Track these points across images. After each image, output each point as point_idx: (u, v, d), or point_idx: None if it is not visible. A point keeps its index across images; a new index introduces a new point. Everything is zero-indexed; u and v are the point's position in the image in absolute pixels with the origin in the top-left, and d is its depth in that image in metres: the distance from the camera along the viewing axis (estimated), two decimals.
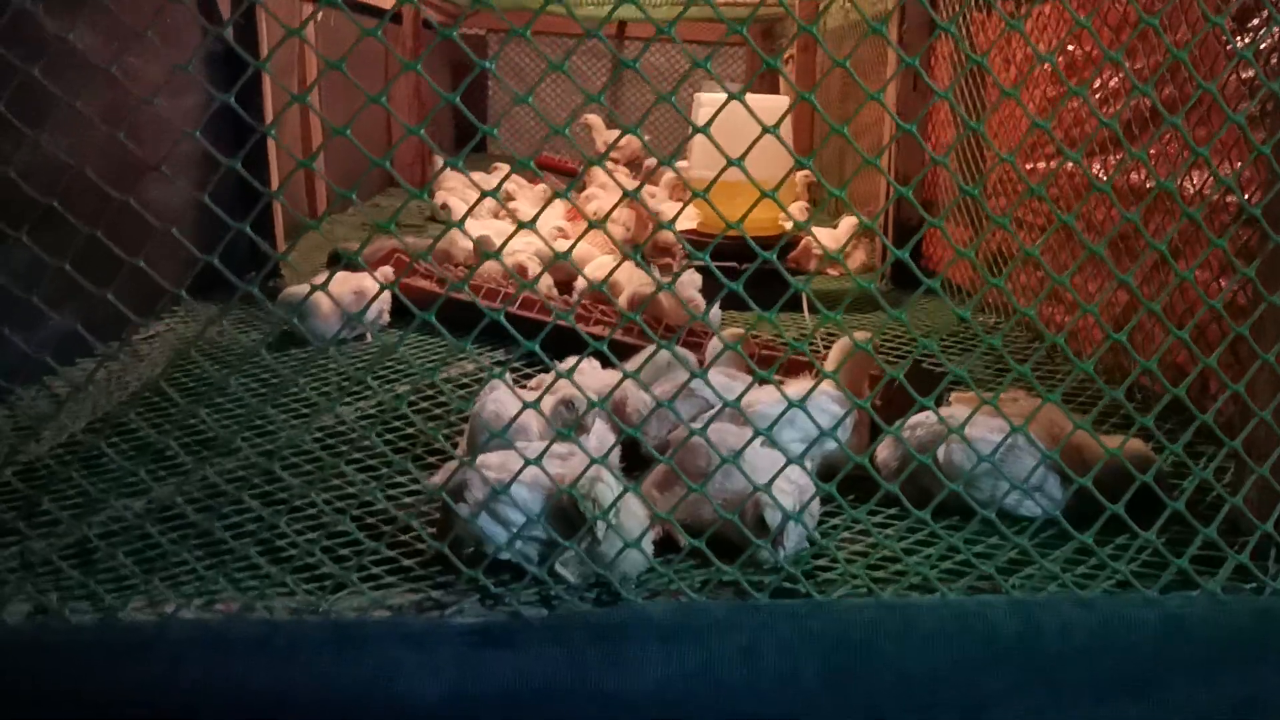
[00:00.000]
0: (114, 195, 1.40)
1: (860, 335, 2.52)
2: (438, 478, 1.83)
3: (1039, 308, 3.38)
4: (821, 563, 1.79)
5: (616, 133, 7.72)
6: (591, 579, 1.70)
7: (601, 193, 6.03)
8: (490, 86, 9.79)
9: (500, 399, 2.28)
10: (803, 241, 4.49)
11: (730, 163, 1.49)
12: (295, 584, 1.64)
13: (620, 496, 1.58)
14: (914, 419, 2.18)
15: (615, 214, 5.21)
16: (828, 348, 3.13)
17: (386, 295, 3.57)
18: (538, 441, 2.06)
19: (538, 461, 1.54)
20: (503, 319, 1.51)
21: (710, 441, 1.61)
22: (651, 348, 2.68)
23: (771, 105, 3.96)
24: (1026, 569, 1.71)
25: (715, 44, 1.50)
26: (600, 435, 2.25)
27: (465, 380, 2.93)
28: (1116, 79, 2.98)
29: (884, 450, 2.24)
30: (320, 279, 3.35)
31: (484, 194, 1.58)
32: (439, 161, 7.07)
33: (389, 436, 2.41)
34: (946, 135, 4.30)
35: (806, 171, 6.21)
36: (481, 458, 1.87)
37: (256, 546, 1.67)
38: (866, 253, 4.74)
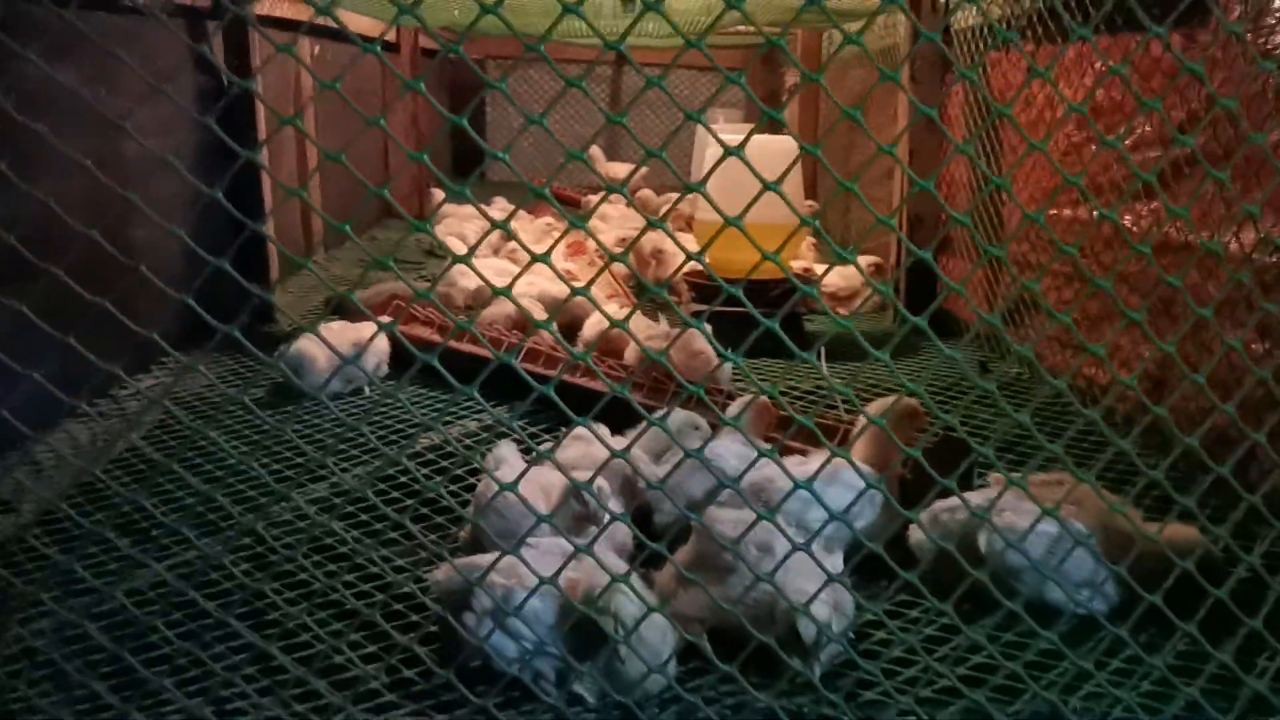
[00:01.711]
0: (105, 244, 1.25)
1: (893, 403, 2.39)
2: (440, 573, 1.68)
3: (1065, 359, 3.24)
4: (866, 676, 1.64)
5: (616, 165, 7.62)
6: (611, 700, 1.55)
7: (603, 225, 5.90)
8: (489, 115, 9.69)
9: (505, 473, 2.13)
10: (808, 281, 4.36)
11: (729, 221, 1.35)
12: (284, 704, 1.49)
13: (643, 618, 1.44)
14: (952, 500, 2.03)
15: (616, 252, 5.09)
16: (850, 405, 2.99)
17: (385, 345, 3.44)
18: (549, 534, 1.91)
19: (553, 580, 1.39)
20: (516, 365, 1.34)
21: (746, 559, 1.46)
22: (678, 413, 2.54)
23: (777, 147, 3.83)
24: (1086, 686, 1.56)
25: (720, 84, 1.36)
26: (612, 531, 2.09)
27: (468, 442, 2.78)
28: (1148, 127, 2.85)
29: (918, 532, 2.09)
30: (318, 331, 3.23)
31: (494, 224, 1.42)
32: (438, 194, 6.95)
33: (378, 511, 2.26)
34: (960, 172, 4.17)
35: (811, 203, 6.11)
36: (490, 559, 1.73)
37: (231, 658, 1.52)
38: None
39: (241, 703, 1.49)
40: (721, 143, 1.40)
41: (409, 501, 2.33)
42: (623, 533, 2.11)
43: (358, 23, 5.76)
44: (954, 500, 2.03)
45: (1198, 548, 1.73)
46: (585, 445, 2.38)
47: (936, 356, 3.68)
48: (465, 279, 4.40)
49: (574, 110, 9.51)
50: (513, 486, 1.41)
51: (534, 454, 2.12)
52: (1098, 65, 3.04)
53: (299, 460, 2.61)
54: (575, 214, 6.38)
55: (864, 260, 4.63)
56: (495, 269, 4.63)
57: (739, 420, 2.54)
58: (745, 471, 1.55)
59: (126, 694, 1.46)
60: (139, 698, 1.44)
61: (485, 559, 1.71)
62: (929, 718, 1.47)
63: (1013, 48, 3.52)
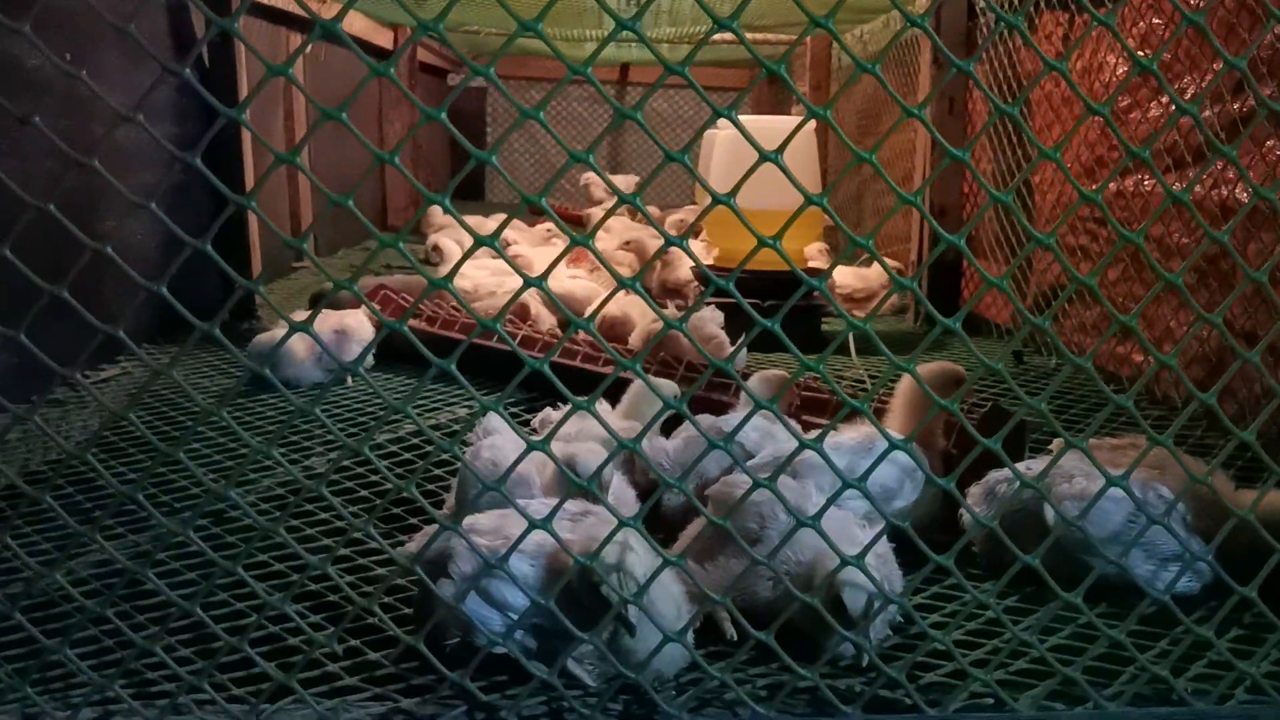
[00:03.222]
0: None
1: (935, 368, 2.13)
2: (414, 544, 1.41)
3: (1111, 346, 2.98)
4: (924, 658, 1.36)
5: (617, 178, 7.42)
6: (617, 681, 1.27)
7: (605, 235, 5.70)
8: (489, 136, 9.51)
9: (498, 445, 1.87)
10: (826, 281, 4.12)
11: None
12: (220, 688, 1.22)
13: (657, 573, 1.16)
14: (1005, 471, 1.77)
15: (620, 256, 4.87)
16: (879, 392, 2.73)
17: (369, 335, 3.19)
18: (542, 498, 1.64)
19: (545, 524, 1.12)
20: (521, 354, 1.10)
21: (781, 494, 1.19)
22: (637, 383, 2.30)
23: (785, 128, 3.60)
24: (1196, 665, 1.29)
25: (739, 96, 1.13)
26: (618, 494, 1.83)
27: (455, 428, 2.52)
28: (1193, 88, 2.61)
29: (975, 508, 1.82)
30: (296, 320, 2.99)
31: (479, 241, 1.19)
32: (434, 208, 6.74)
33: (358, 493, 2.00)
34: (984, 162, 3.94)
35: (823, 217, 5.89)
36: (471, 519, 1.46)
37: (167, 639, 1.25)
38: (898, 294, 4.35)
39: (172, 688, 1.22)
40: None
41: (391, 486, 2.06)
42: (626, 508, 1.86)
43: (351, 22, 5.58)
44: (1003, 473, 1.78)
45: None
46: (581, 419, 2.13)
47: (963, 353, 3.42)
48: (460, 280, 4.22)
49: (576, 131, 9.35)
50: (544, 445, 1.14)
51: (534, 435, 1.85)
52: (1140, 24, 2.81)
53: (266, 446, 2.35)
54: (578, 230, 6.19)
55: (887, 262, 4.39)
56: (493, 269, 4.43)
57: (771, 399, 2.27)
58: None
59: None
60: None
61: (466, 522, 1.45)
62: (1011, 699, 1.19)
63: (1043, 17, 3.31)
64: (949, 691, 1.25)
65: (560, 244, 5.27)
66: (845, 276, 4.41)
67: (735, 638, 1.41)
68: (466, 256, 1.19)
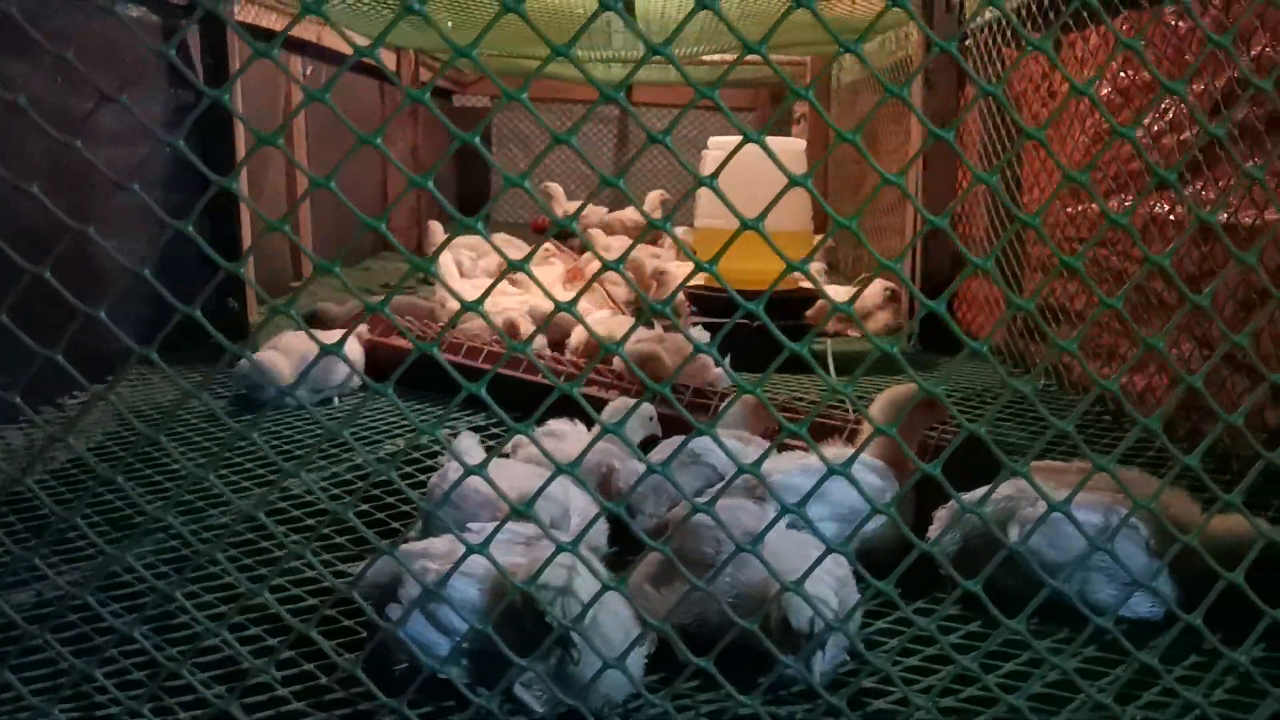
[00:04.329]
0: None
1: (908, 390, 2.13)
2: (365, 567, 1.41)
3: (1096, 367, 2.96)
4: (870, 684, 1.35)
5: (578, 202, 7.44)
6: (562, 706, 1.26)
7: (606, 255, 5.70)
8: (493, 150, 9.56)
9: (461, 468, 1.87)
10: (818, 301, 4.11)
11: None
12: (166, 711, 1.22)
13: (598, 596, 1.16)
14: (978, 493, 1.76)
15: (617, 275, 4.87)
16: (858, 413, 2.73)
17: (359, 356, 3.20)
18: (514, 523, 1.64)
19: (482, 549, 1.12)
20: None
21: (719, 518, 1.19)
22: (617, 401, 2.31)
23: (783, 148, 3.61)
24: (1147, 694, 1.27)
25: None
26: (584, 513, 1.83)
27: (435, 451, 2.52)
28: (1174, 109, 2.61)
29: (940, 532, 1.82)
30: (280, 340, 3.00)
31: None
32: (436, 227, 6.76)
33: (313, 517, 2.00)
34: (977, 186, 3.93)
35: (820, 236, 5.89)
36: (426, 543, 1.47)
37: (100, 667, 1.24)
38: (892, 313, 4.34)
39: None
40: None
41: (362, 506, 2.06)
42: (596, 532, 1.85)
43: (354, 41, 5.62)
44: (979, 492, 1.77)
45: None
46: (556, 442, 2.14)
47: (955, 371, 3.41)
48: (452, 302, 4.25)
49: (583, 151, 9.36)
50: (481, 470, 1.14)
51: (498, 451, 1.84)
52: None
53: (248, 467, 2.36)
54: (575, 250, 6.20)
55: (878, 285, 4.38)
56: (497, 289, 4.44)
57: (729, 417, 2.28)
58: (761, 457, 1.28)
59: None
60: None
61: (419, 546, 1.45)
62: None
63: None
64: (891, 718, 1.24)
65: (559, 264, 5.28)
66: (840, 296, 4.40)
67: (710, 664, 1.40)
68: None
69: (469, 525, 1.52)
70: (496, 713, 1.16)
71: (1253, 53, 2.26)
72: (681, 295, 4.19)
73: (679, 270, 4.63)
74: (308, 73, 5.32)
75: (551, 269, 5.08)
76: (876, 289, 4.34)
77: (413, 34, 5.51)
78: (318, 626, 1.47)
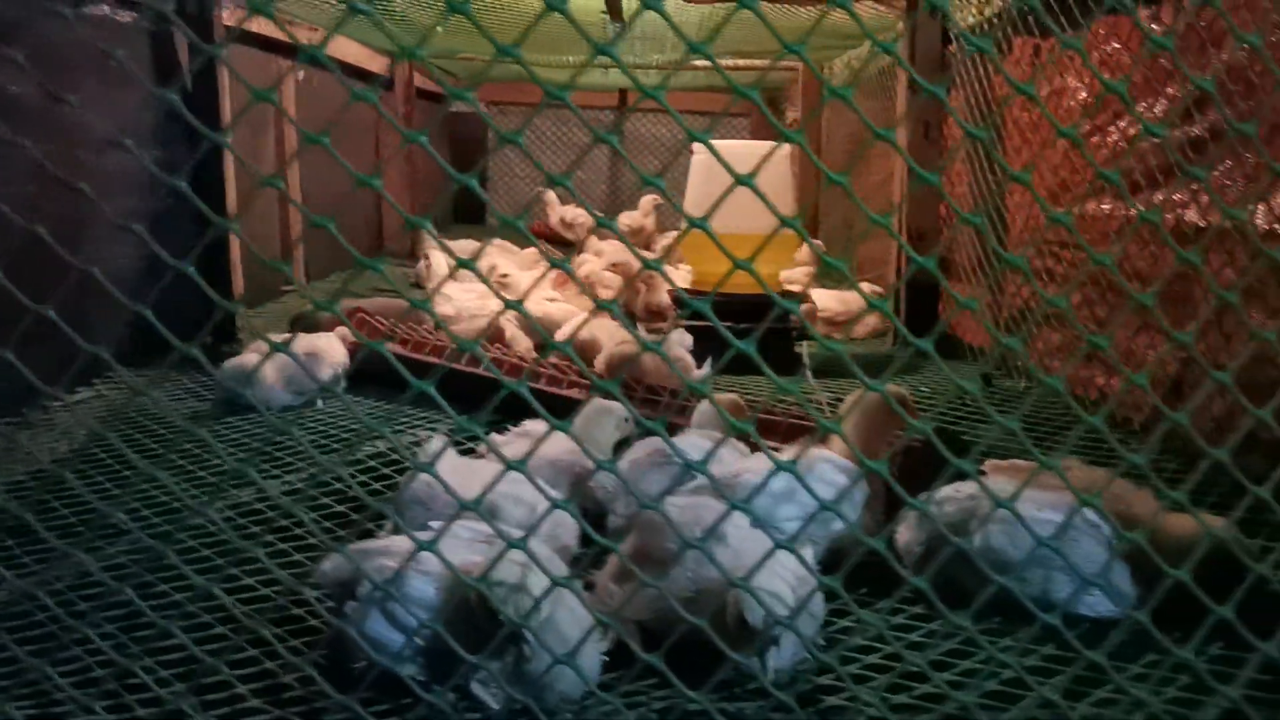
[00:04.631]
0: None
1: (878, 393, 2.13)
2: (328, 564, 1.42)
3: (1075, 369, 2.97)
4: (826, 680, 1.36)
5: (570, 207, 7.46)
6: (518, 703, 1.27)
7: (594, 259, 5.72)
8: (489, 158, 9.57)
9: (435, 467, 1.88)
10: (804, 305, 4.13)
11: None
12: (124, 709, 1.22)
13: (547, 593, 1.16)
14: (942, 493, 1.77)
15: (607, 279, 4.89)
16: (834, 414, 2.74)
17: (343, 359, 3.20)
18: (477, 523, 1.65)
19: (430, 546, 1.13)
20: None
21: (668, 516, 1.19)
22: (593, 401, 2.32)
23: (761, 152, 3.61)
24: (1098, 691, 1.28)
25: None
26: (557, 514, 1.83)
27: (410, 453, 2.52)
28: (1156, 110, 2.62)
29: (906, 532, 1.83)
30: (264, 345, 3.01)
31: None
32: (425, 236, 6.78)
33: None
34: (962, 186, 3.95)
35: (816, 241, 5.90)
36: (387, 541, 1.48)
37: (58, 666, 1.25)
38: (879, 317, 4.35)
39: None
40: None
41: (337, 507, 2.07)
42: (566, 532, 1.86)
43: (346, 49, 5.63)
44: (942, 493, 1.78)
45: (1246, 546, 1.47)
46: (527, 442, 2.14)
47: (938, 374, 3.42)
48: (444, 304, 4.27)
49: (574, 156, 9.41)
50: (429, 467, 1.15)
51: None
52: (1112, 46, 2.82)
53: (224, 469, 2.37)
54: (566, 253, 6.21)
55: (865, 289, 4.39)
56: (478, 292, 4.47)
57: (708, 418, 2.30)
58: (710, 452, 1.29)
59: None
60: None
61: (378, 543, 1.46)
62: (900, 718, 1.18)
63: (1017, 40, 3.32)
64: (847, 715, 1.25)
65: (552, 272, 5.29)
66: (826, 300, 4.41)
67: (659, 660, 1.41)
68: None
69: (430, 524, 1.53)
70: (447, 709, 1.16)
71: (1224, 56, 2.27)
72: (669, 299, 4.21)
73: (674, 275, 4.65)
74: (299, 77, 5.34)
75: (539, 272, 5.08)
76: (864, 290, 4.35)
77: (406, 38, 5.53)
78: (284, 625, 1.50)
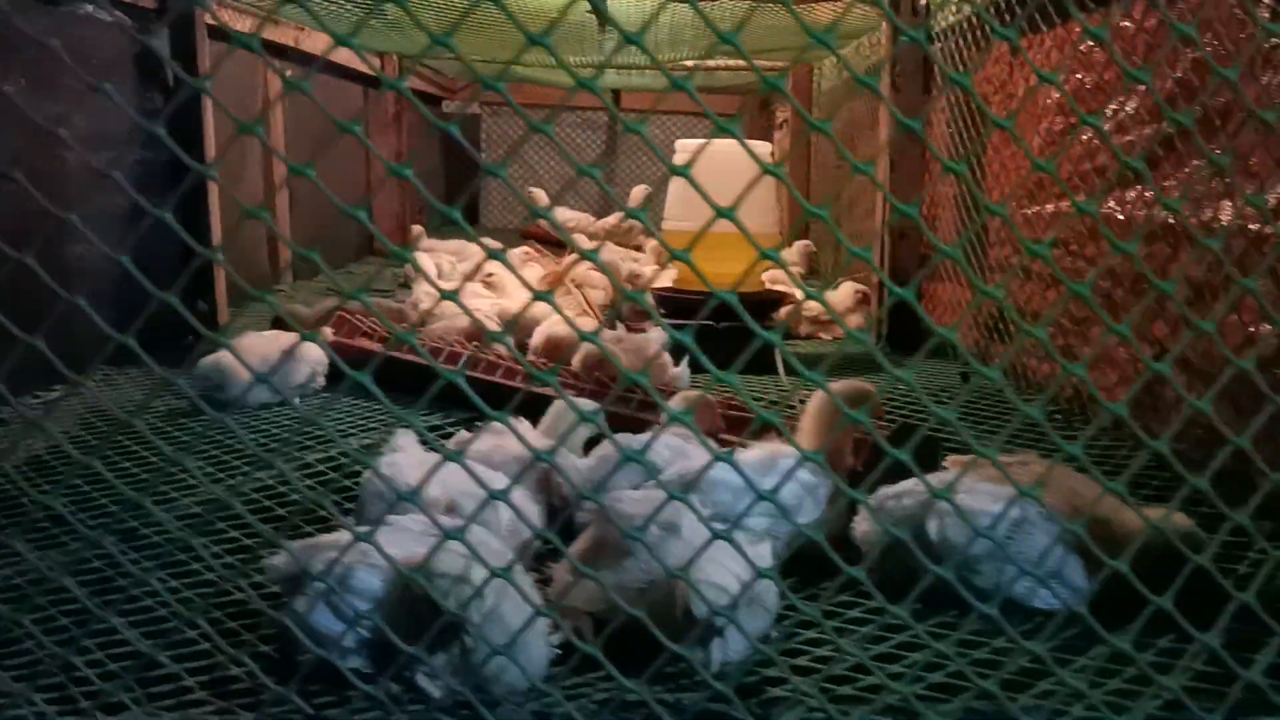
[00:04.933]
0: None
1: (844, 386, 2.13)
2: (278, 559, 1.42)
3: (1054, 369, 2.98)
4: (773, 673, 1.36)
5: (560, 208, 7.47)
6: (463, 694, 1.27)
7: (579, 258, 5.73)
8: (482, 157, 9.58)
9: (397, 462, 1.88)
10: (789, 306, 4.13)
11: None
12: (69, 700, 1.22)
13: (485, 584, 1.17)
14: (900, 486, 1.77)
15: (596, 279, 4.89)
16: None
17: (322, 357, 3.21)
18: (443, 517, 1.65)
19: (367, 537, 1.13)
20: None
21: (607, 507, 1.20)
22: (559, 402, 2.32)
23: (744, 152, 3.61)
24: (1042, 683, 1.28)
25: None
26: (519, 506, 1.84)
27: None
28: (1130, 106, 2.62)
29: (865, 524, 1.83)
30: (242, 342, 3.01)
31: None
32: (417, 230, 6.79)
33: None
34: (945, 183, 3.95)
35: (806, 241, 5.91)
36: (335, 535, 1.48)
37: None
38: (864, 316, 4.36)
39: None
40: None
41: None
42: (534, 521, 1.87)
43: (335, 51, 5.64)
44: (901, 487, 1.78)
45: (1197, 538, 1.48)
46: (496, 438, 2.15)
47: (918, 369, 3.42)
48: (428, 301, 4.29)
49: (573, 149, 9.43)
50: (362, 455, 1.16)
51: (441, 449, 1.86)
52: (1081, 46, 2.82)
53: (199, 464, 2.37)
54: (557, 253, 6.22)
55: (849, 288, 4.40)
56: (468, 290, 4.48)
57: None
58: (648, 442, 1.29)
59: None
60: None
61: (328, 539, 1.46)
62: (840, 714, 1.18)
63: (995, 42, 3.32)
64: (788, 706, 1.25)
65: (539, 268, 5.29)
66: (811, 301, 4.41)
67: (597, 650, 1.41)
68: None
69: (387, 518, 1.53)
70: (385, 701, 1.16)
71: (1193, 54, 2.27)
72: (650, 297, 4.21)
73: (654, 274, 4.65)
74: (288, 75, 5.34)
75: (527, 272, 5.09)
76: (847, 291, 4.35)
77: (396, 38, 5.53)
78: (239, 620, 1.50)
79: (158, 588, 1.14)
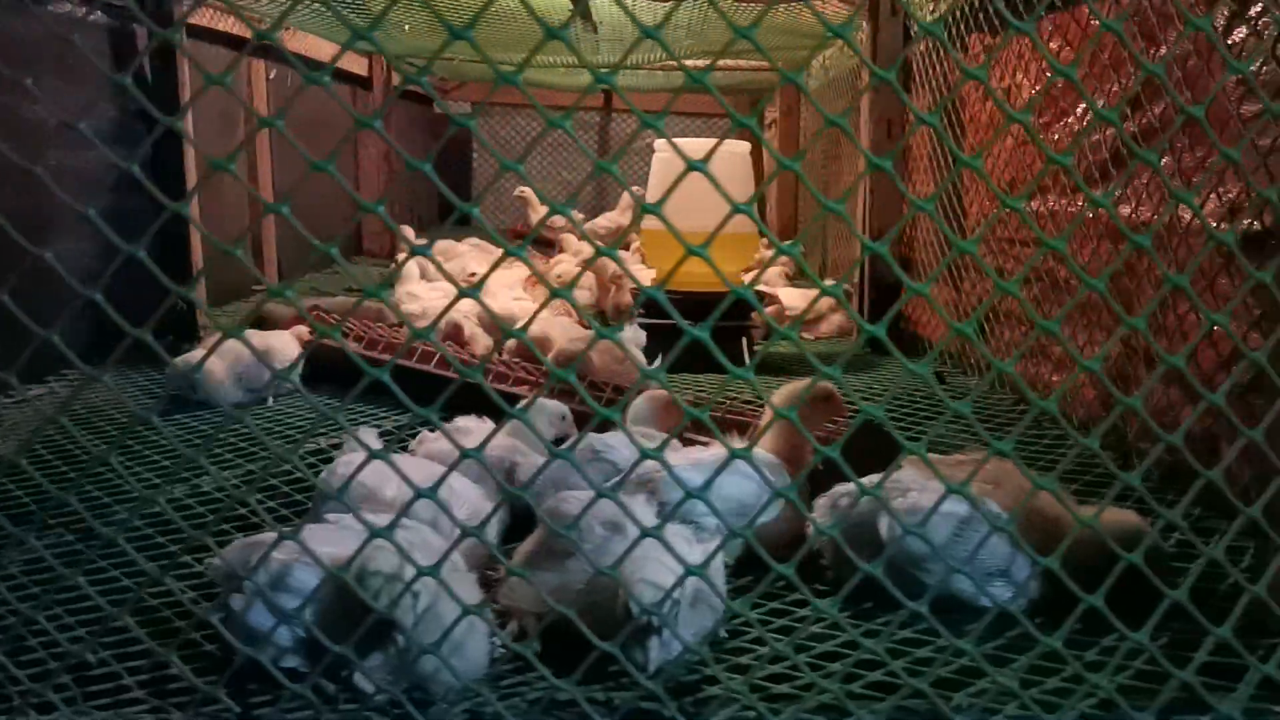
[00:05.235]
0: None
1: (805, 386, 2.13)
2: (218, 558, 1.42)
3: (1024, 366, 2.97)
4: (710, 672, 1.36)
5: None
6: (401, 693, 1.27)
7: (569, 256, 5.72)
8: (475, 160, 9.58)
9: (353, 461, 1.88)
10: (771, 306, 4.13)
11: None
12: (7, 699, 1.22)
13: (411, 583, 1.16)
14: (852, 484, 1.77)
15: (580, 281, 4.88)
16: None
17: (293, 356, 3.20)
18: (375, 516, 1.65)
19: (293, 536, 1.13)
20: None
21: (535, 505, 1.19)
22: (532, 399, 2.31)
23: (729, 150, 3.62)
24: (979, 682, 1.28)
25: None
26: (473, 507, 1.84)
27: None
28: (1101, 103, 2.62)
29: (820, 520, 1.82)
30: (212, 340, 3.01)
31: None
32: (407, 232, 6.79)
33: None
34: (926, 186, 3.95)
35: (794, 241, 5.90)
36: (274, 534, 1.47)
37: None
38: (846, 316, 4.36)
39: None
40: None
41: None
42: (487, 527, 1.86)
43: (321, 48, 5.63)
44: (851, 486, 1.78)
45: (1142, 536, 1.47)
46: (459, 437, 2.14)
47: (895, 372, 3.42)
48: (412, 302, 4.28)
49: (562, 156, 9.45)
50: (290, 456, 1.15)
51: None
52: (1052, 47, 2.82)
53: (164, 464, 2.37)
54: (546, 252, 6.21)
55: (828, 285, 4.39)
56: (445, 291, 4.48)
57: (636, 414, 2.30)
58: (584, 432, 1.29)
59: None
60: None
61: (269, 537, 1.46)
62: (770, 711, 1.18)
63: (970, 38, 3.31)
64: (721, 705, 1.24)
65: (522, 268, 5.29)
66: (793, 299, 4.41)
67: (538, 649, 1.41)
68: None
69: (326, 516, 1.53)
70: (313, 700, 1.16)
71: (1160, 51, 2.27)
72: (630, 297, 4.21)
73: (639, 274, 4.64)
74: (271, 76, 5.34)
75: (512, 273, 5.08)
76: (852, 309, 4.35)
77: (383, 39, 5.53)
78: (184, 619, 1.49)
79: (88, 589, 1.14)
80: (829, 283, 4.33)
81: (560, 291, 1.15)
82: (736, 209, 1.16)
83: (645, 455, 1.15)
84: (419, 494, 1.15)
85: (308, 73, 1.10)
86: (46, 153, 3.06)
